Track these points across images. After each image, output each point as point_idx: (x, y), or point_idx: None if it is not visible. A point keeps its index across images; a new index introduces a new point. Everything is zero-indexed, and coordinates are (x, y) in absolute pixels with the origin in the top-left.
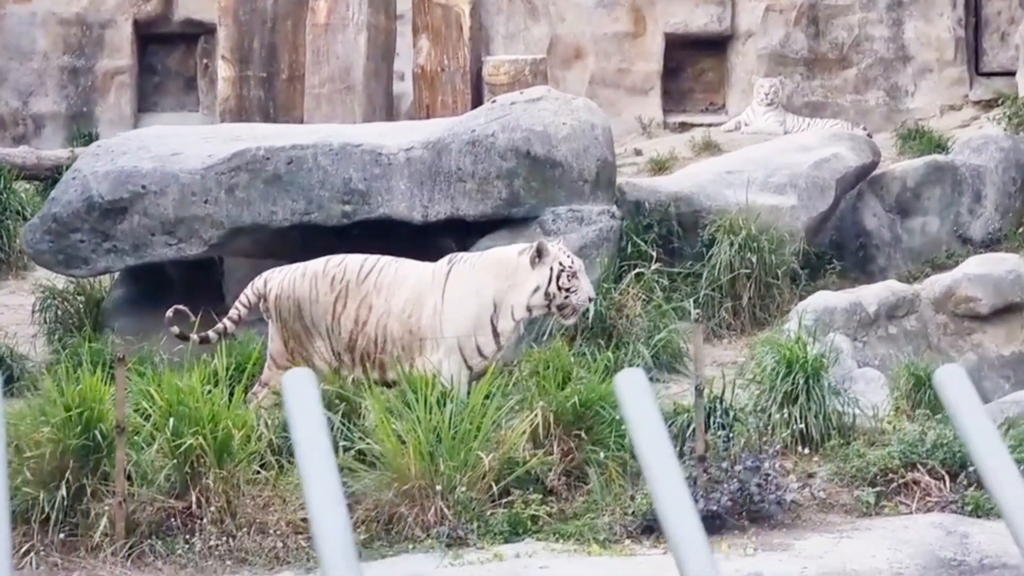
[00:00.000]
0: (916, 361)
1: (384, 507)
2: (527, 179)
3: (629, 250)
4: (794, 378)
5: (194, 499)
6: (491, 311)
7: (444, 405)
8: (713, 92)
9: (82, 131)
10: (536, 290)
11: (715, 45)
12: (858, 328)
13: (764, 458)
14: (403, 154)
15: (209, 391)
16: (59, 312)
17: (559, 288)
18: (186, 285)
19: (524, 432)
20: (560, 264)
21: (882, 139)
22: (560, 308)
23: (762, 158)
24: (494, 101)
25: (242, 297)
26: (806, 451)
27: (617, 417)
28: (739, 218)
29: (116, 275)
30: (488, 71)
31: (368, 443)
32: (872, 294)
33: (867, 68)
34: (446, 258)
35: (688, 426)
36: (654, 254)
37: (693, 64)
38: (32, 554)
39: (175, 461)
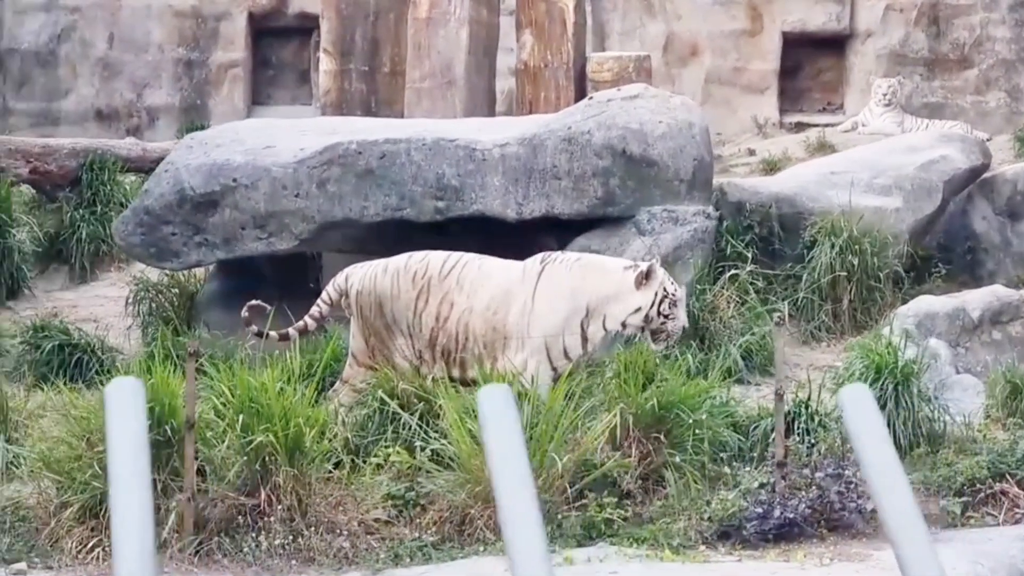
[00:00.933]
0: (1014, 368)
1: (457, 508)
2: (623, 178)
3: (728, 251)
4: (883, 384)
5: (264, 497)
6: (583, 315)
7: (521, 405)
8: (831, 92)
9: (195, 124)
10: (637, 310)
11: (834, 44)
12: (961, 333)
13: (846, 465)
14: (498, 150)
15: (282, 388)
16: (153, 305)
17: (659, 313)
18: (278, 280)
19: (602, 434)
20: (664, 290)
21: (1002, 141)
22: (653, 332)
23: (868, 159)
24: (591, 98)
25: (324, 294)
26: None
27: (694, 420)
28: (841, 220)
29: (211, 268)
30: (592, 68)
31: (443, 444)
32: (976, 299)
33: (988, 69)
34: (538, 256)
35: (771, 431)
36: (750, 255)
37: (811, 63)
38: (99, 548)
39: (245, 458)
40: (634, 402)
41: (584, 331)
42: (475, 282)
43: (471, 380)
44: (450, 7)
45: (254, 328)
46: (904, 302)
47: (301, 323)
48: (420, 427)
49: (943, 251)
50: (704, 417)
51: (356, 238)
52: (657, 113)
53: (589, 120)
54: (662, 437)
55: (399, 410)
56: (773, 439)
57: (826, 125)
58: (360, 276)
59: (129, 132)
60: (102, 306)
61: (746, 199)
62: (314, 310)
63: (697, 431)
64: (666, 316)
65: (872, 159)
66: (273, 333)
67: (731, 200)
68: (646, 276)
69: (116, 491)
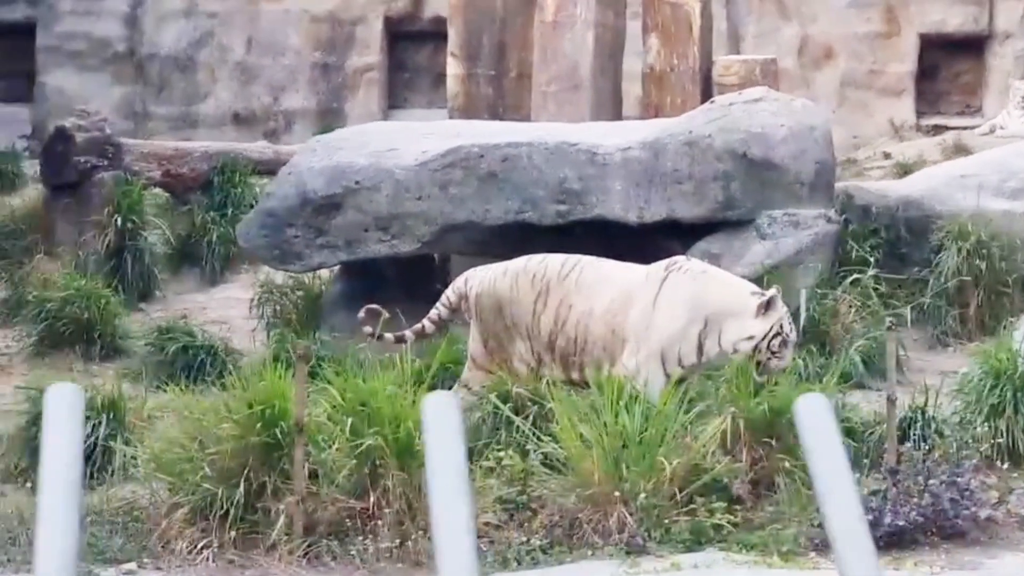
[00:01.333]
0: None
1: (567, 512)
2: (743, 181)
3: (852, 255)
4: (1002, 390)
5: (373, 500)
6: (701, 326)
7: (632, 409)
8: (969, 94)
9: (331, 127)
10: (750, 338)
11: (972, 46)
12: None
13: (961, 472)
14: (619, 154)
15: (392, 391)
16: (277, 307)
17: (768, 347)
18: (402, 282)
19: (712, 438)
20: (781, 327)
21: None
22: (757, 363)
23: (998, 161)
24: (712, 102)
25: (443, 297)
26: (1005, 466)
27: None
28: (969, 223)
29: (335, 271)
30: (718, 71)
31: (555, 447)
32: None
33: None
34: (664, 262)
35: (886, 437)
36: (873, 260)
37: (949, 65)
38: (208, 550)
39: (355, 461)
40: (745, 407)
41: (701, 342)
42: (594, 285)
43: (591, 383)
44: (576, 11)
45: (368, 330)
46: None
47: (419, 326)
48: (532, 431)
49: None
50: None
51: (478, 241)
52: (779, 116)
53: (710, 124)
54: (773, 443)
55: (511, 414)
56: (887, 446)
57: (963, 128)
58: (480, 279)
59: (266, 136)
60: (231, 308)
61: (872, 202)
62: (433, 313)
63: None
64: (774, 352)
65: (1003, 162)
66: (389, 335)
67: (857, 203)
68: (767, 306)
69: (44, 496)
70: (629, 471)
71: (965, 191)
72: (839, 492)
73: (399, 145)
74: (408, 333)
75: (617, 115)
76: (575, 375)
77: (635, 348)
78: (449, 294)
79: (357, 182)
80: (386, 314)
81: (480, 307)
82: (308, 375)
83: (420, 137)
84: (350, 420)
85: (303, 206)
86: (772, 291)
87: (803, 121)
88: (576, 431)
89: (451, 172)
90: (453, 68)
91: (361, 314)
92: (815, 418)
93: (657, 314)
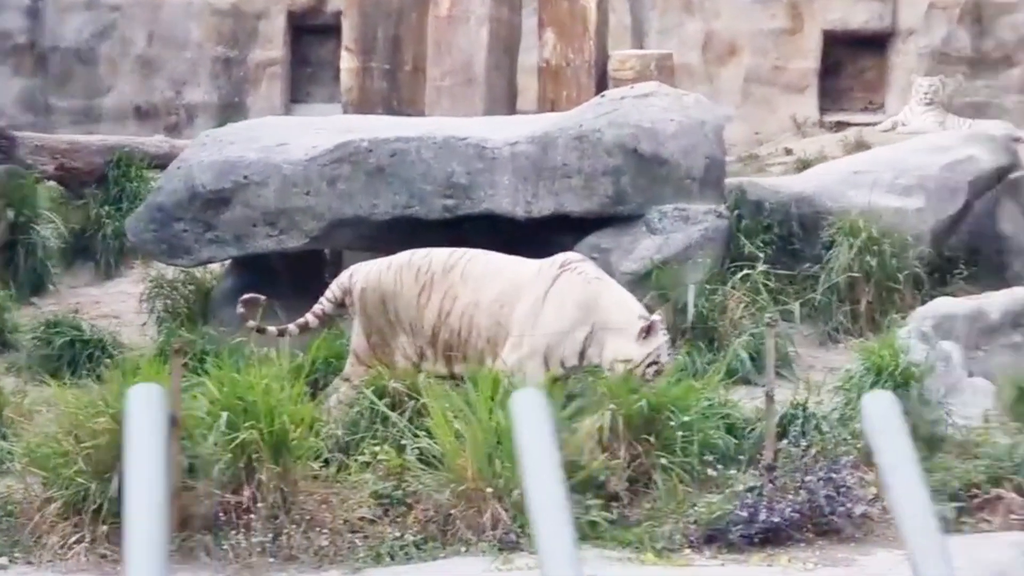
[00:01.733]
0: (1020, 371)
1: (441, 508)
2: (633, 176)
3: (745, 251)
4: (882, 386)
5: (248, 494)
6: (588, 332)
7: (507, 404)
8: (873, 91)
9: (233, 122)
10: (628, 361)
11: (875, 43)
12: (979, 336)
13: (838, 469)
14: (508, 148)
15: (268, 385)
16: (168, 302)
17: (643, 374)
18: (292, 277)
19: (589, 434)
20: (658, 356)
21: None
22: None
23: (892, 158)
24: (603, 96)
25: (328, 292)
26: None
27: (684, 422)
28: (860, 220)
29: (226, 265)
30: (613, 66)
31: (430, 442)
32: (996, 301)
33: None
34: (558, 258)
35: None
36: (763, 255)
37: (852, 62)
38: (80, 545)
39: (230, 455)
40: (624, 403)
41: (585, 348)
42: (482, 277)
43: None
44: (471, 5)
45: (251, 324)
46: (925, 304)
47: (302, 320)
48: (408, 426)
49: (969, 253)
50: (694, 419)
51: (367, 236)
52: (669, 111)
53: (600, 118)
54: (652, 439)
55: (386, 409)
56: (765, 442)
57: (867, 124)
58: (364, 273)
59: (167, 130)
60: (124, 303)
61: (766, 198)
62: (317, 307)
63: (687, 433)
64: (646, 380)
65: (896, 158)
66: (272, 329)
67: (751, 199)
68: (648, 331)
69: (130, 496)
70: (503, 467)
71: (858, 188)
72: (909, 490)
73: (289, 140)
74: (291, 327)
75: (512, 110)
76: (457, 368)
77: (518, 343)
78: (334, 288)
79: (245, 177)
80: (262, 299)
81: (364, 301)
82: (193, 370)
83: (311, 132)
84: (226, 414)
85: (192, 200)
86: (656, 316)
87: (694, 116)
88: (450, 426)
89: (339, 167)
90: (347, 62)
91: (240, 308)
92: (882, 417)
93: (546, 310)
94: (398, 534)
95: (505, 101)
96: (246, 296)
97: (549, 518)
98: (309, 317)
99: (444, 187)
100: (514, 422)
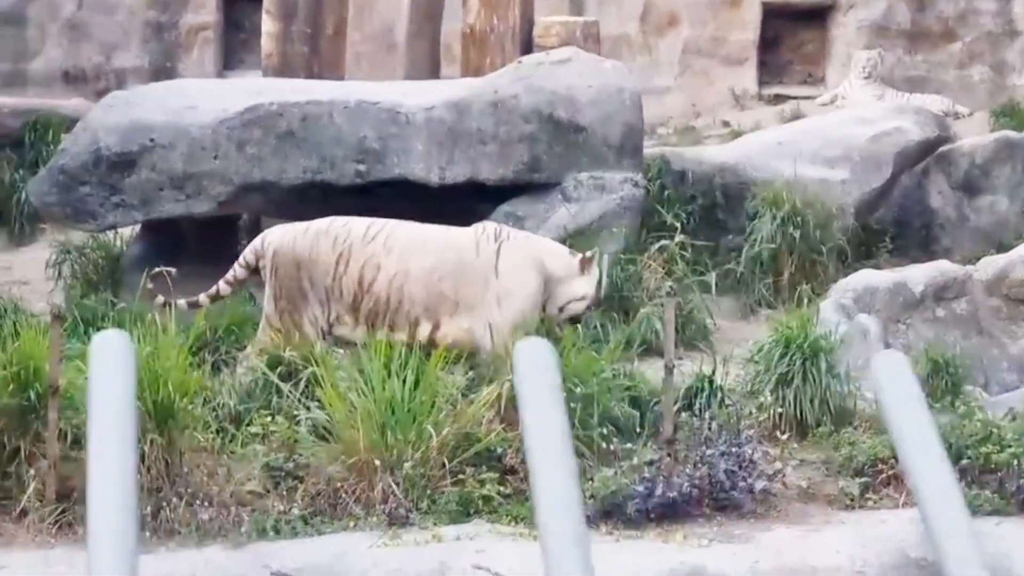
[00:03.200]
0: (940, 345)
1: (332, 481)
2: (549, 143)
3: (668, 221)
4: (791, 359)
5: None
6: (542, 294)
7: (403, 375)
8: (812, 64)
9: None
10: (583, 297)
11: (815, 16)
12: (902, 309)
13: (740, 443)
14: (422, 113)
15: (150, 352)
16: (75, 267)
17: (597, 301)
18: (203, 244)
19: (485, 406)
20: (600, 283)
21: (981, 116)
22: (574, 320)
23: (818, 129)
24: (520, 62)
25: (240, 258)
26: (784, 436)
27: (584, 394)
28: (783, 191)
29: (135, 231)
30: (538, 32)
31: (322, 414)
32: (919, 274)
33: (972, 42)
34: (486, 230)
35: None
36: (679, 226)
37: (792, 35)
38: None
39: None
40: None
41: (543, 303)
42: (408, 246)
43: (401, 342)
44: None
45: (159, 299)
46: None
47: (213, 289)
48: (300, 397)
49: (898, 226)
50: (594, 390)
51: (277, 201)
52: (587, 77)
53: (517, 84)
54: None
55: (277, 380)
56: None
57: (806, 98)
58: (279, 237)
59: (98, 95)
60: (35, 269)
61: (689, 168)
62: (229, 274)
63: (587, 405)
64: (590, 308)
65: (822, 130)
66: (182, 301)
67: (674, 169)
68: (586, 265)
69: (95, 455)
70: (395, 439)
71: (782, 158)
72: (926, 460)
73: (199, 103)
74: (202, 297)
75: (435, 77)
76: (382, 335)
77: (481, 316)
78: (247, 254)
79: (152, 139)
80: (171, 271)
81: (277, 265)
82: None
83: (222, 95)
84: None
85: (96, 163)
86: (592, 252)
87: (611, 83)
88: (342, 397)
89: (249, 130)
90: (268, 26)
91: (148, 284)
92: (894, 377)
93: (504, 282)
94: (285, 508)
95: (427, 68)
96: (154, 271)
97: (552, 486)
98: (221, 285)
99: (356, 152)
100: (518, 376)
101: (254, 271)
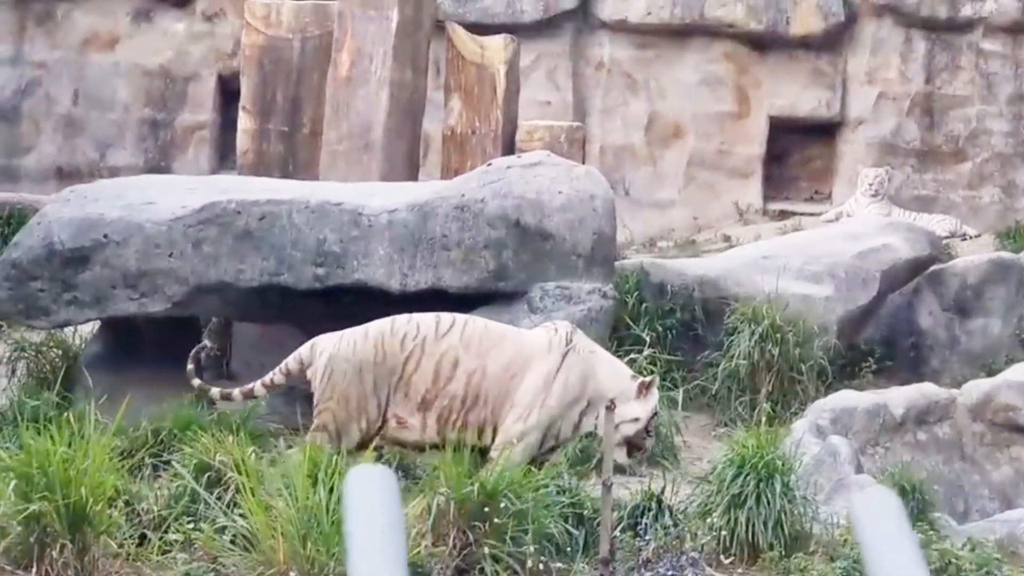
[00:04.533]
0: (906, 470)
1: None
2: (516, 251)
3: (642, 335)
4: (744, 479)
5: (42, 571)
6: (584, 406)
7: (330, 482)
8: (819, 180)
9: None
10: (635, 420)
11: (823, 131)
12: (881, 432)
13: (681, 566)
14: (385, 216)
15: (64, 453)
16: (30, 365)
17: (647, 430)
18: (161, 344)
19: (414, 518)
20: (656, 409)
21: (991, 239)
22: (634, 446)
23: (803, 244)
24: (490, 164)
25: (284, 364)
26: (728, 561)
27: (523, 508)
28: (764, 306)
29: (94, 329)
30: (521, 136)
31: (243, 524)
32: (901, 396)
33: (983, 163)
34: (560, 331)
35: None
36: (648, 339)
37: (800, 150)
38: None
39: (20, 528)
40: (457, 486)
41: (580, 420)
42: (485, 342)
43: (470, 444)
44: (371, 67)
45: (196, 382)
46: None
47: (248, 387)
48: (218, 504)
49: (886, 346)
50: (529, 507)
51: (235, 303)
52: (557, 182)
53: (485, 188)
54: (486, 527)
55: (196, 486)
56: (616, 535)
57: (811, 214)
58: (333, 344)
59: None
60: None
61: (669, 280)
62: (267, 377)
63: (520, 521)
64: (649, 433)
65: (807, 244)
66: (215, 390)
67: (653, 281)
68: (646, 388)
69: None
70: (317, 550)
71: (765, 273)
72: None
73: (157, 199)
74: (236, 392)
75: (413, 178)
76: (452, 435)
77: (525, 415)
78: (291, 362)
79: (106, 235)
80: (209, 346)
81: (331, 370)
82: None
83: (183, 192)
84: (14, 483)
85: (49, 258)
86: (652, 376)
87: (583, 188)
88: (261, 506)
89: (205, 229)
90: (244, 123)
91: (189, 365)
92: (878, 520)
93: (557, 386)
94: None
95: (405, 168)
96: (194, 350)
97: None
98: (256, 385)
99: (315, 255)
100: (346, 506)
101: (292, 376)
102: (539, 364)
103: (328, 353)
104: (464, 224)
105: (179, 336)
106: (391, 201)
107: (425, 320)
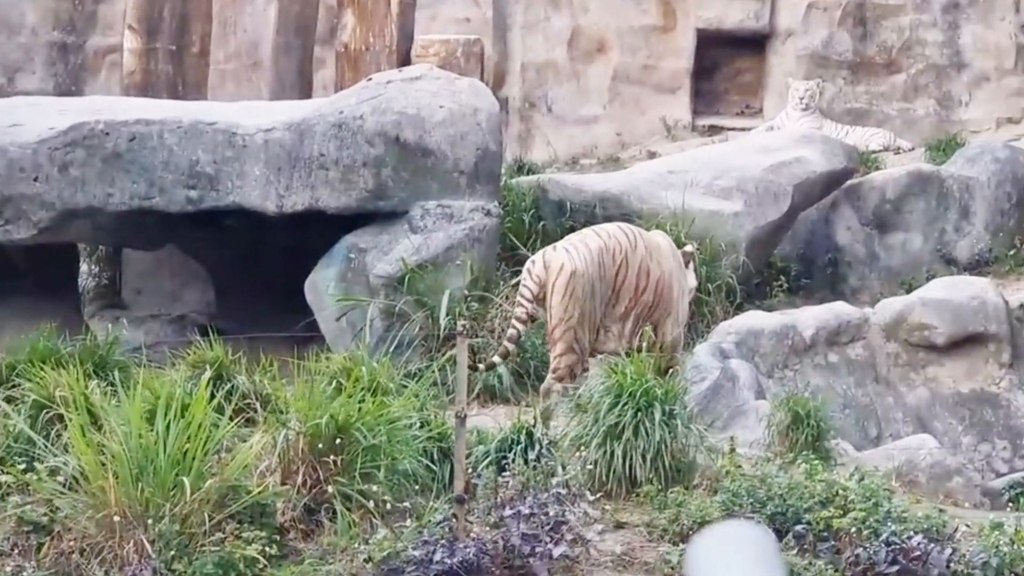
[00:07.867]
0: (800, 395)
1: (87, 538)
2: (396, 169)
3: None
4: (622, 409)
5: None
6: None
7: (168, 417)
8: (749, 94)
9: None
10: (692, 290)
11: (752, 44)
12: (789, 354)
13: (545, 503)
14: (261, 135)
15: None
16: None
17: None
18: (36, 274)
19: (258, 455)
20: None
21: (921, 152)
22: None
23: (712, 159)
24: (369, 79)
25: (523, 290)
26: (598, 496)
27: (376, 443)
28: (668, 223)
29: None
30: (416, 51)
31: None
32: (810, 317)
33: (917, 74)
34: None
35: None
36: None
37: (728, 63)
38: None
39: None
40: (307, 418)
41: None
42: (658, 249)
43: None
44: None
45: (481, 367)
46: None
47: (512, 331)
48: (47, 444)
49: (803, 263)
50: (382, 442)
51: (108, 228)
52: (439, 97)
53: (364, 104)
54: (337, 462)
55: (25, 426)
56: (480, 470)
57: (741, 129)
58: (567, 258)
59: None
60: None
61: (568, 197)
62: (519, 311)
63: (374, 456)
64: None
65: (717, 159)
66: (496, 358)
67: (552, 199)
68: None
69: None
70: (151, 491)
71: (670, 188)
72: None
73: (25, 121)
74: (509, 346)
75: (305, 96)
76: (635, 341)
77: (678, 318)
78: (529, 285)
79: None
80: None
81: (573, 287)
82: None
83: (52, 113)
84: None
85: None
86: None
87: (465, 102)
88: (92, 444)
89: (72, 151)
90: (130, 42)
91: (481, 367)
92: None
93: (684, 290)
94: (32, 568)
95: (296, 87)
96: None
97: None
98: (517, 326)
99: (187, 177)
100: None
101: (536, 299)
102: (675, 268)
103: (569, 270)
104: (342, 142)
105: (55, 265)
106: (267, 120)
107: (615, 232)
